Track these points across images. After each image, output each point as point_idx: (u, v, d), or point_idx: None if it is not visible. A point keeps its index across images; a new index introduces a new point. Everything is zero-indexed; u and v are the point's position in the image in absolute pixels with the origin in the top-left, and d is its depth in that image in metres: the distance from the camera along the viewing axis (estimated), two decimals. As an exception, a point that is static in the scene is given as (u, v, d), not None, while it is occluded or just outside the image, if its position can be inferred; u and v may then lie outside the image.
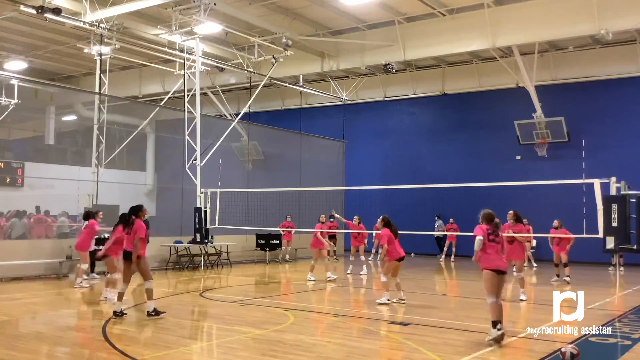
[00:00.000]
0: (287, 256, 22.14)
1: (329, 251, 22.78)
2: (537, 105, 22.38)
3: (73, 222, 19.50)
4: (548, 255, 16.73)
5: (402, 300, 11.53)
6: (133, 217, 9.97)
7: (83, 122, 24.67)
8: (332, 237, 22.72)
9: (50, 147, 26.49)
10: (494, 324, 7.83)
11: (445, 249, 23.25)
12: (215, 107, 27.50)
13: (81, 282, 13.46)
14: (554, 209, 18.77)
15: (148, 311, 9.84)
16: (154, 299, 9.98)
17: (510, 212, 12.45)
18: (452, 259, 22.86)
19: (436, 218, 24.31)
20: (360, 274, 17.54)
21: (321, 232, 16.23)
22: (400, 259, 11.58)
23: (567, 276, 15.43)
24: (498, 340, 7.83)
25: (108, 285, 11.61)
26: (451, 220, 22.92)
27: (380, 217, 11.95)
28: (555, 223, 15.90)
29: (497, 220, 8.33)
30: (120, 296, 9.99)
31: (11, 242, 16.26)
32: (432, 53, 22.05)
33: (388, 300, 11.36)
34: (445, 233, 23.27)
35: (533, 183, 17.96)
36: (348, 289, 15.46)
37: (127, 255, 9.95)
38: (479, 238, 8.01)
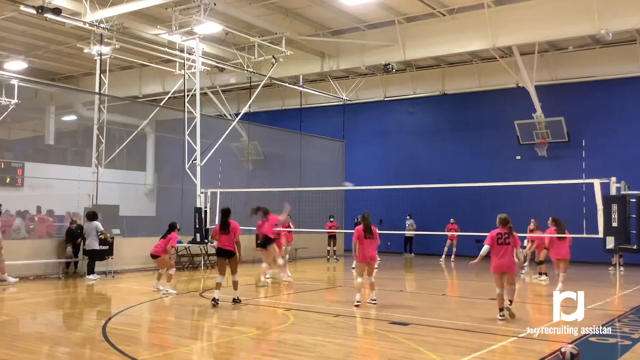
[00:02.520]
0: (287, 256, 22.12)
1: (328, 251, 22.88)
2: (537, 105, 22.37)
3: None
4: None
5: (373, 300, 11.24)
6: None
7: (83, 122, 24.67)
8: (333, 237, 22.74)
9: (50, 147, 26.48)
10: (500, 310, 9.70)
11: (445, 248, 23.22)
12: (215, 107, 27.50)
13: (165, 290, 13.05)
14: (554, 209, 18.73)
15: (234, 298, 11.21)
16: (238, 290, 11.28)
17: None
18: (452, 259, 22.83)
19: (408, 217, 24.33)
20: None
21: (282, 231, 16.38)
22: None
23: (540, 273, 15.46)
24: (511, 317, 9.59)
25: (168, 279, 13.00)
26: (452, 220, 22.88)
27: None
28: (531, 225, 15.83)
29: (510, 225, 9.74)
30: (218, 285, 11.12)
31: (11, 242, 16.22)
32: (432, 53, 22.04)
33: (358, 302, 10.98)
34: (416, 232, 23.48)
35: (533, 183, 17.95)
36: (348, 289, 15.45)
37: (222, 252, 11.22)
38: (485, 247, 9.77)
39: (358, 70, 25.73)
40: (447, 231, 22.23)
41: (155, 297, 12.35)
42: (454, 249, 23.11)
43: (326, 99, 27.65)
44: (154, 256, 13.23)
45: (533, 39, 20.07)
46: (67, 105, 26.82)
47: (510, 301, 9.71)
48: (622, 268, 17.13)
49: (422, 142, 26.49)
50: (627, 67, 22.08)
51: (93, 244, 15.55)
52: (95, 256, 15.67)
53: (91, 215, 15.94)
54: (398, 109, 27.41)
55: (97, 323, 9.40)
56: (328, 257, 22.76)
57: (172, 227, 13.49)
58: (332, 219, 22.42)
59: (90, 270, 15.47)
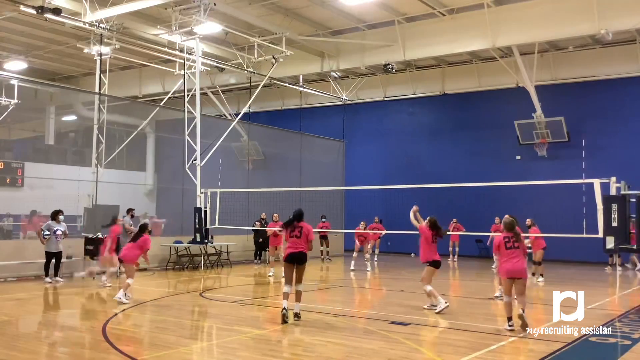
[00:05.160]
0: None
1: (321, 251, 22.76)
2: (537, 105, 22.37)
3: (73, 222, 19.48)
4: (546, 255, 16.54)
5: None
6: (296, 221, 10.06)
7: (83, 122, 24.67)
8: (324, 237, 22.62)
9: (50, 147, 26.49)
10: (508, 319, 8.83)
11: (450, 249, 23.11)
12: (215, 107, 27.50)
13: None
14: (554, 209, 18.75)
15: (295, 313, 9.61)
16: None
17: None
18: (454, 259, 22.73)
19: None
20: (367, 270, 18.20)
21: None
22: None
23: (541, 275, 15.26)
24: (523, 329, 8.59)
25: (126, 288, 11.41)
26: (454, 220, 22.79)
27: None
28: (527, 222, 15.63)
29: (517, 229, 9.10)
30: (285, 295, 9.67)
31: (11, 242, 16.26)
32: (432, 53, 22.03)
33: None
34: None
35: (533, 183, 17.95)
36: (347, 289, 15.46)
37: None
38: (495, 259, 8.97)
39: (358, 70, 25.73)
40: (451, 231, 22.07)
41: (155, 297, 12.35)
42: (457, 249, 23.03)
43: (326, 99, 27.65)
44: None
45: (533, 39, 20.07)
46: (67, 105, 26.82)
47: (523, 310, 8.72)
48: (620, 268, 17.16)
49: (422, 142, 26.49)
50: (627, 67, 22.08)
51: (48, 245, 14.32)
52: (48, 258, 14.34)
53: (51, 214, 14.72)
54: (398, 109, 27.41)
55: (97, 323, 9.40)
56: (322, 257, 22.67)
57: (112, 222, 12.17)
58: (323, 220, 22.35)
59: (45, 273, 14.30)
